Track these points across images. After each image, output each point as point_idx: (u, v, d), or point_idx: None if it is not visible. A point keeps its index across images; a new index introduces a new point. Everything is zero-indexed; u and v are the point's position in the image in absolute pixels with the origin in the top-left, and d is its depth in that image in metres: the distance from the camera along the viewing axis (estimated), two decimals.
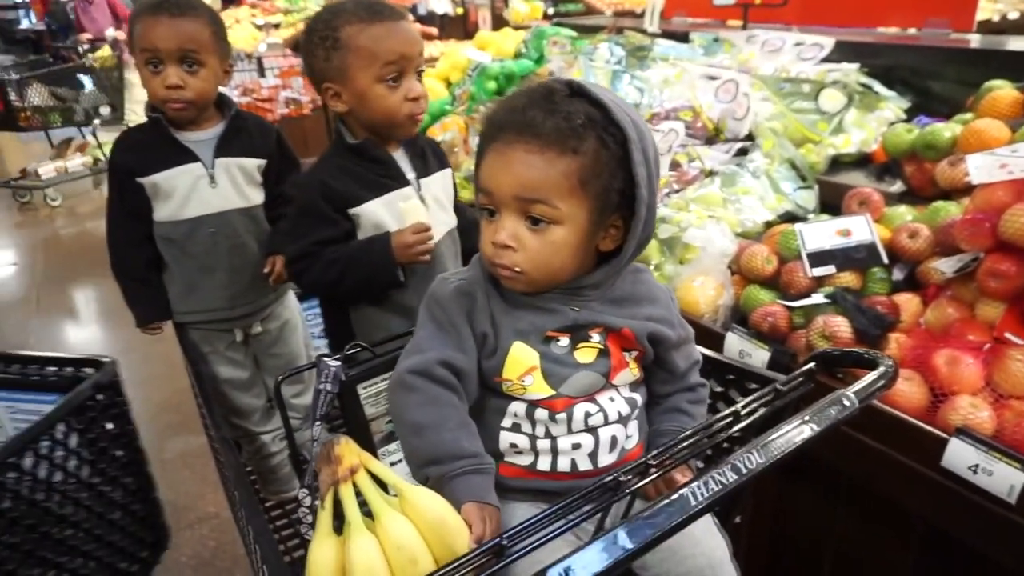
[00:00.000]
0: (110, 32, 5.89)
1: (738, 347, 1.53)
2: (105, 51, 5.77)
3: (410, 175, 1.43)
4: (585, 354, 0.93)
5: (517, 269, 0.88)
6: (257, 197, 1.70)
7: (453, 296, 0.94)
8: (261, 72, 4.26)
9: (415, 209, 1.34)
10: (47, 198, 5.48)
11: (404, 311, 1.42)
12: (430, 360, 0.90)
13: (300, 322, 1.94)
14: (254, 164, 1.68)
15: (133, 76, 5.83)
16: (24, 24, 15.12)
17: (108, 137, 5.85)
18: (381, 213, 1.38)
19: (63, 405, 1.42)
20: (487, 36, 3.70)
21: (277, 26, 7.08)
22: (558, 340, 0.93)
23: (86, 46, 6.00)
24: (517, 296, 0.93)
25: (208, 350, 1.76)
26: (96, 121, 5.64)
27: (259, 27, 7.20)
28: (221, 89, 1.66)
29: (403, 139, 1.44)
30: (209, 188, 1.62)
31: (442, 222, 1.47)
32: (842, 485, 1.41)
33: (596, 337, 0.94)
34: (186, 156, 1.60)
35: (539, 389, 0.92)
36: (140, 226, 1.64)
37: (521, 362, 0.92)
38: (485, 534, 0.79)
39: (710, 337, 1.57)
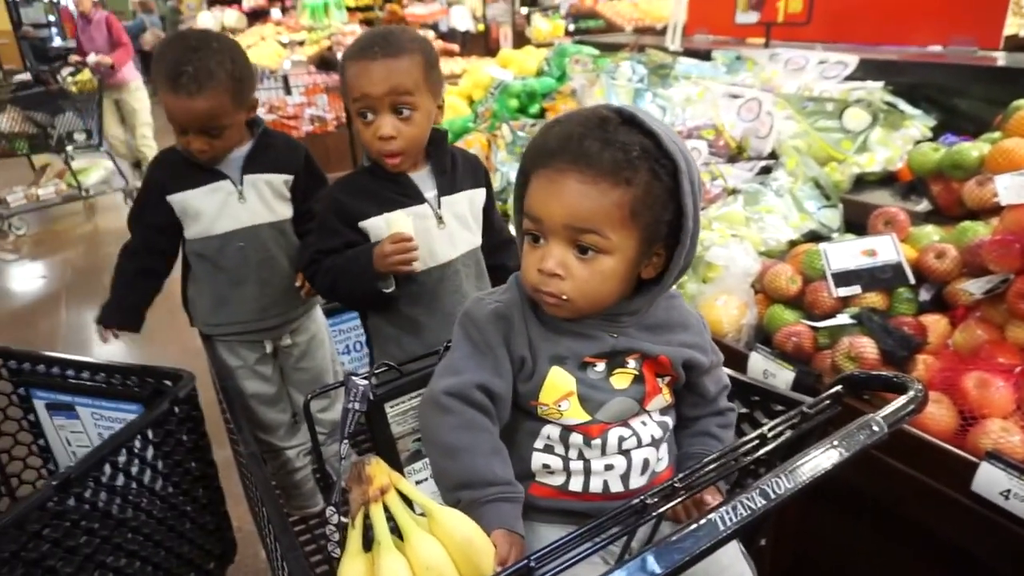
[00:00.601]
0: (92, 57, 5.64)
1: (762, 367, 1.52)
2: (85, 74, 5.59)
3: (429, 193, 1.44)
4: (620, 380, 0.94)
5: (564, 297, 0.88)
6: (285, 212, 1.73)
7: (490, 319, 0.93)
8: (287, 90, 4.33)
9: (399, 220, 1.36)
10: (12, 227, 5.27)
11: (412, 326, 1.46)
12: (467, 383, 0.90)
13: (327, 337, 1.97)
14: (281, 179, 1.71)
15: (107, 102, 5.77)
16: (57, 42, 15.48)
17: (84, 163, 5.75)
18: (386, 229, 1.41)
19: (143, 417, 1.48)
20: (509, 54, 3.74)
21: (302, 43, 7.19)
22: (595, 366, 0.93)
23: (71, 69, 5.75)
24: (556, 321, 0.93)
25: (237, 364, 1.79)
26: (69, 148, 5.42)
27: (284, 45, 7.31)
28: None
29: (427, 158, 1.46)
30: (238, 204, 1.65)
31: (463, 240, 1.48)
32: (867, 507, 1.40)
33: (632, 363, 0.94)
34: (215, 175, 1.63)
35: (575, 415, 0.92)
36: (150, 237, 1.67)
37: (558, 387, 0.92)
38: (510, 559, 0.79)
39: (733, 357, 1.57)
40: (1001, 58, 2.30)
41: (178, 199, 1.62)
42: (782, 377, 1.48)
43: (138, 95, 5.98)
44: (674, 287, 0.98)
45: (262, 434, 1.88)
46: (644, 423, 0.96)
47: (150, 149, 5.95)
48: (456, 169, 1.49)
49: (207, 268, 1.70)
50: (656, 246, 0.90)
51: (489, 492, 0.85)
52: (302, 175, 1.74)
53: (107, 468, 1.38)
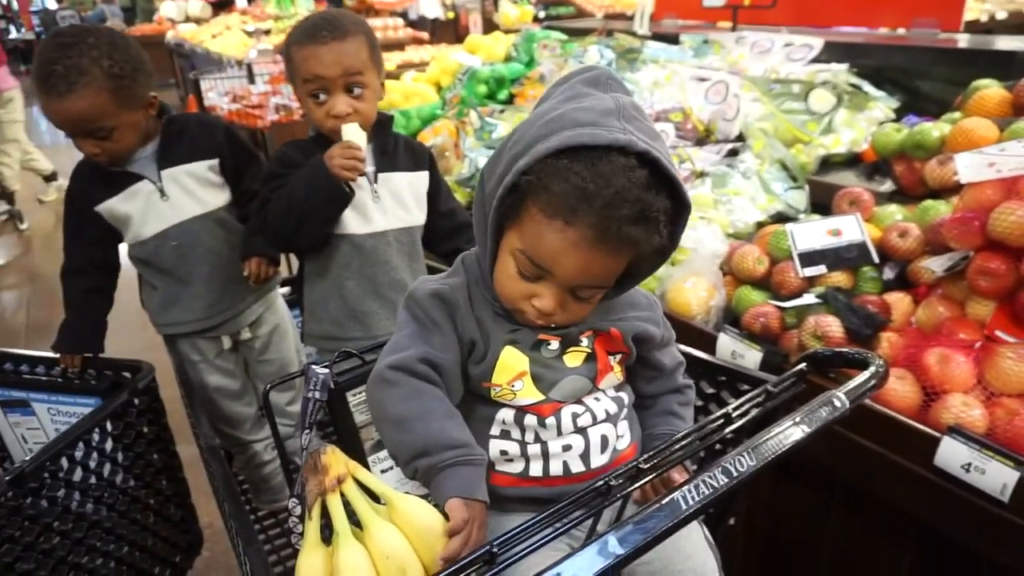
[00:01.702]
0: None
1: (730, 348, 1.52)
2: None
3: (368, 168, 1.48)
4: (573, 358, 0.94)
5: (552, 325, 0.90)
6: (216, 200, 1.65)
7: (433, 298, 0.92)
8: (251, 79, 4.25)
9: (351, 130, 1.40)
10: None
11: (339, 289, 1.52)
12: (411, 356, 0.88)
13: (291, 327, 1.93)
14: (204, 166, 1.62)
15: None
16: (13, 34, 15.07)
17: None
18: None
19: (101, 409, 1.46)
20: (477, 40, 3.70)
21: (268, 32, 7.07)
22: (549, 344, 0.93)
23: None
24: None
25: (197, 359, 1.75)
26: None
27: (249, 34, 7.18)
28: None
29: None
30: (161, 203, 1.57)
31: (396, 217, 1.54)
32: (836, 485, 1.41)
33: (585, 341, 0.94)
34: (130, 178, 1.55)
35: (528, 394, 0.91)
36: (90, 254, 1.61)
37: (511, 367, 0.91)
38: (464, 529, 0.76)
39: (702, 338, 1.57)
40: (962, 40, 2.33)
41: (105, 208, 1.55)
42: (750, 357, 1.48)
43: (10, 107, 5.09)
44: None
45: (228, 428, 1.85)
46: (597, 399, 0.96)
47: (8, 170, 5.24)
48: (397, 151, 1.56)
49: (150, 272, 1.65)
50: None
51: (446, 456, 0.82)
52: (227, 155, 1.65)
53: (64, 462, 1.36)
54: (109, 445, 1.47)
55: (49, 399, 1.63)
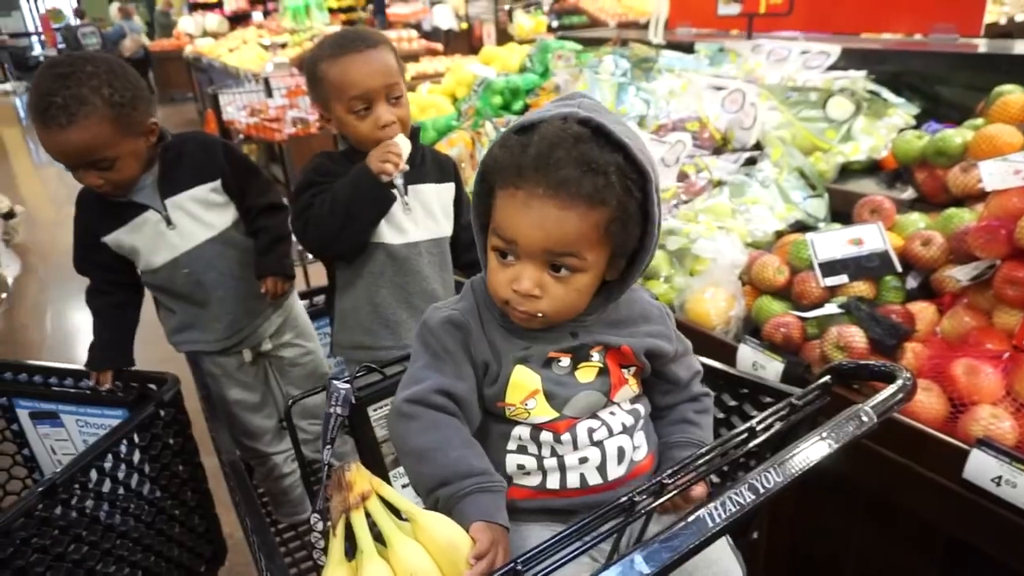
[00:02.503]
0: None
1: (751, 359, 1.51)
2: None
3: (398, 180, 1.49)
4: (586, 374, 0.93)
5: (539, 315, 0.88)
6: (222, 221, 1.64)
7: (446, 326, 0.93)
8: (268, 92, 4.29)
9: (400, 141, 1.44)
10: None
11: (372, 298, 1.53)
12: (427, 389, 0.89)
13: (314, 331, 1.94)
14: (207, 189, 1.60)
15: None
16: (37, 51, 15.36)
17: None
18: None
19: (128, 421, 1.47)
20: (492, 51, 3.71)
21: (284, 46, 7.15)
22: (559, 361, 0.93)
23: None
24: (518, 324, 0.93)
25: (218, 372, 1.76)
26: None
27: (266, 47, 7.27)
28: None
29: None
30: (169, 232, 1.56)
31: (427, 227, 1.55)
32: (861, 498, 1.39)
33: (596, 356, 0.94)
34: (135, 209, 1.53)
35: (542, 412, 0.92)
36: (105, 275, 1.61)
37: (523, 386, 0.91)
38: (489, 552, 0.77)
39: (722, 349, 1.56)
40: (982, 45, 2.30)
41: (111, 240, 1.55)
42: (771, 368, 1.47)
43: None
44: (658, 278, 0.98)
45: (248, 441, 1.86)
46: (613, 413, 0.95)
47: None
48: (424, 163, 1.56)
49: (165, 297, 1.66)
50: (625, 255, 0.90)
51: (465, 485, 0.83)
52: (228, 173, 1.63)
53: (93, 473, 1.38)
54: (136, 457, 1.48)
55: (77, 411, 1.66)
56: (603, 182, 0.80)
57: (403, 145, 1.42)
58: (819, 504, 1.47)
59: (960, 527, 1.20)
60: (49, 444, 1.73)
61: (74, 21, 15.47)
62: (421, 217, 1.53)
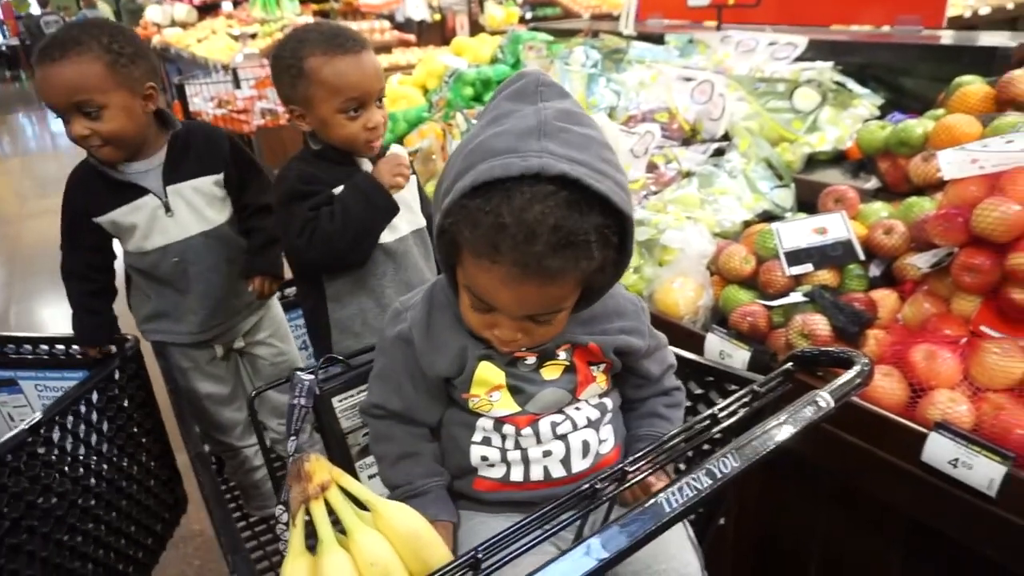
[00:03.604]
0: None
1: (718, 348, 1.53)
2: None
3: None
4: (551, 371, 0.93)
5: (524, 349, 0.90)
6: (219, 216, 1.64)
7: (394, 345, 0.98)
8: (237, 83, 4.22)
9: (398, 148, 1.46)
10: None
11: (377, 295, 1.51)
12: (368, 403, 1.02)
13: (289, 329, 1.93)
14: (210, 181, 1.61)
15: None
16: None
17: None
18: None
19: (90, 379, 1.54)
20: (463, 42, 3.69)
21: (254, 36, 7.04)
22: (525, 359, 0.92)
23: None
24: None
25: (188, 366, 1.74)
26: None
27: (235, 38, 7.15)
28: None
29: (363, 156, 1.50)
30: (166, 218, 1.56)
31: (408, 221, 1.54)
32: (825, 483, 1.41)
33: (563, 355, 0.93)
34: (136, 191, 1.53)
35: (505, 405, 0.92)
36: (88, 259, 1.59)
37: (488, 380, 0.92)
38: None
39: (690, 338, 1.57)
40: (945, 37, 2.34)
41: (105, 220, 1.53)
42: (739, 357, 1.49)
43: None
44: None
45: (218, 434, 1.84)
46: (578, 408, 0.95)
47: None
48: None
49: (145, 281, 1.64)
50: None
51: (395, 494, 0.96)
52: (232, 169, 1.64)
53: (56, 433, 1.44)
54: (95, 416, 1.54)
55: (36, 376, 1.68)
56: (585, 252, 0.75)
57: (405, 156, 1.45)
58: (785, 490, 1.50)
59: (919, 509, 1.22)
60: (7, 412, 1.75)
61: (37, 10, 15.10)
62: (403, 210, 1.52)
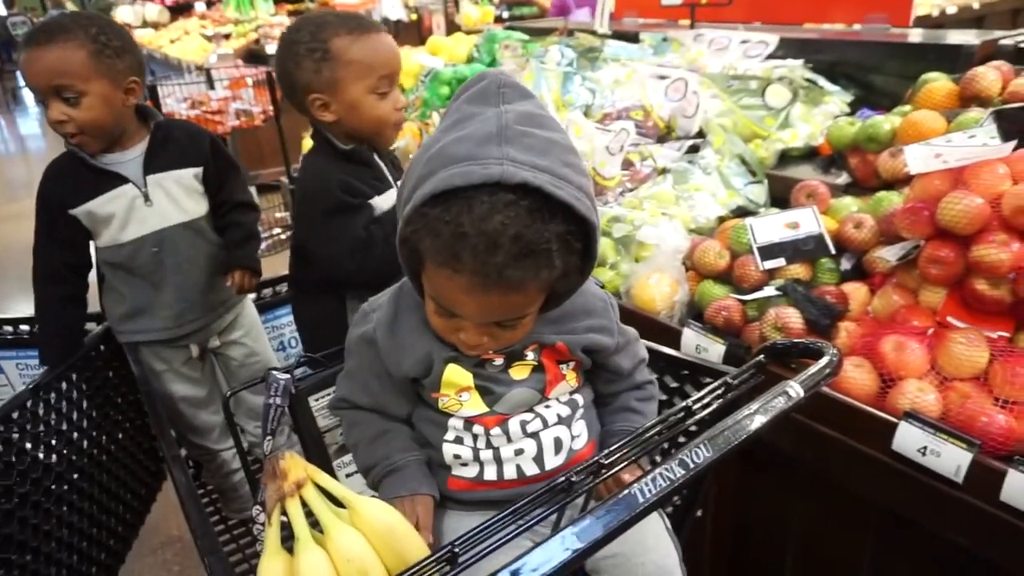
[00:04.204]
0: None
1: (695, 342, 1.54)
2: None
3: (390, 178, 1.49)
4: (519, 371, 0.93)
5: (489, 354, 0.90)
6: (197, 209, 1.65)
7: (359, 344, 0.98)
8: (210, 84, 4.18)
9: None
10: None
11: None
12: (336, 398, 1.03)
13: (263, 330, 1.92)
14: (190, 174, 1.62)
15: None
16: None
17: None
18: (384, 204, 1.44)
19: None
20: (439, 41, 3.69)
21: (228, 36, 6.97)
22: (493, 361, 0.92)
23: None
24: None
25: (162, 368, 1.72)
26: None
27: (209, 38, 7.07)
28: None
29: (384, 147, 1.50)
30: (145, 208, 1.56)
31: None
32: (800, 473, 1.43)
33: (530, 355, 0.93)
34: (115, 180, 1.53)
35: (474, 406, 0.92)
36: (64, 257, 1.57)
37: (455, 382, 0.92)
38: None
39: (667, 333, 1.59)
40: (913, 35, 2.38)
41: (83, 211, 1.52)
42: (714, 351, 1.50)
43: None
44: (604, 265, 0.99)
45: (195, 438, 1.83)
46: (548, 406, 0.95)
47: None
48: (395, 160, 1.57)
49: (121, 276, 1.62)
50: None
51: (375, 473, 0.96)
52: (211, 165, 1.65)
53: (41, 408, 1.52)
54: (75, 394, 1.60)
55: (17, 355, 1.70)
56: (547, 261, 0.74)
57: None
58: (761, 481, 1.52)
59: (891, 497, 1.25)
60: None
61: (3, 10, 14.82)
62: None
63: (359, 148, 1.42)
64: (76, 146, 1.49)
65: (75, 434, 1.58)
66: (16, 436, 1.42)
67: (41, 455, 1.48)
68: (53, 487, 1.48)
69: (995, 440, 1.10)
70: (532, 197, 0.71)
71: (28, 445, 1.44)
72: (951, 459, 1.12)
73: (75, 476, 1.55)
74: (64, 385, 1.56)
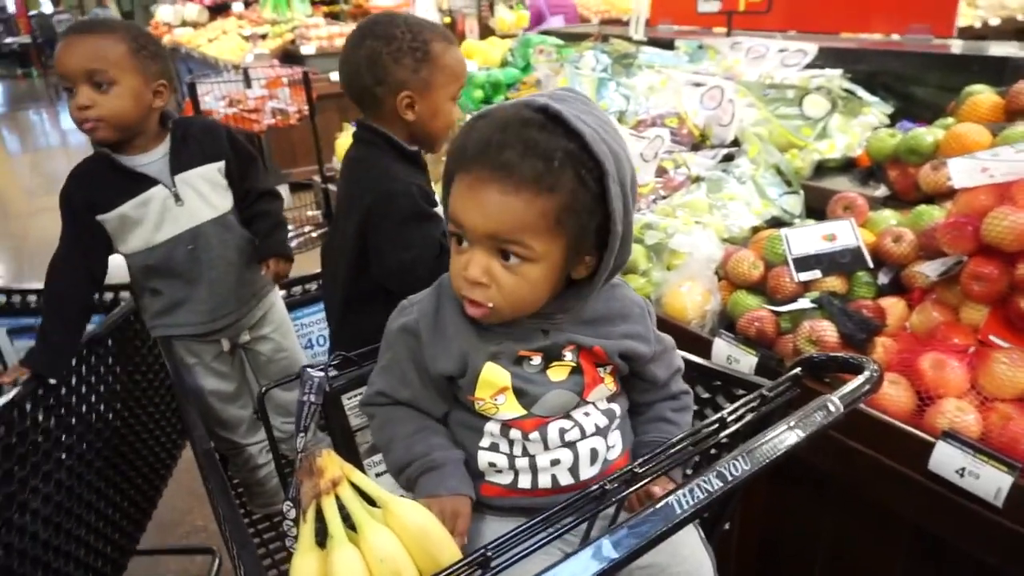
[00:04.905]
0: None
1: (726, 352, 1.53)
2: None
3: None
4: (557, 372, 0.92)
5: (490, 305, 0.85)
6: (224, 203, 1.67)
7: (398, 336, 0.97)
8: (247, 83, 4.24)
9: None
10: None
11: None
12: (373, 393, 0.99)
13: (291, 326, 1.94)
14: (214, 169, 1.64)
15: None
16: (9, 39, 15.07)
17: None
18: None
19: (107, 323, 1.70)
20: (473, 45, 3.70)
21: (264, 36, 7.06)
22: (531, 359, 0.91)
23: None
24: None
25: (193, 362, 1.74)
26: None
27: (246, 38, 7.18)
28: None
29: (436, 152, 1.54)
30: (176, 207, 1.58)
31: None
32: (831, 490, 1.41)
33: (568, 355, 0.92)
34: (145, 182, 1.54)
35: (511, 408, 0.91)
36: (91, 265, 1.57)
37: (493, 383, 0.90)
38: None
39: (698, 343, 1.57)
40: (955, 46, 2.34)
41: (112, 217, 1.53)
42: (746, 362, 1.49)
43: None
44: (618, 276, 0.97)
45: (223, 431, 1.84)
46: (587, 413, 0.94)
47: None
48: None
49: (155, 277, 1.63)
50: (584, 250, 0.86)
51: (411, 471, 0.93)
52: (232, 157, 1.67)
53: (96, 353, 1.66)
54: (115, 355, 1.75)
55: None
56: (545, 167, 0.77)
57: None
58: (790, 495, 1.49)
59: (925, 517, 1.22)
60: None
61: (49, 8, 15.20)
62: None
63: (420, 152, 1.45)
64: (89, 132, 1.49)
65: (101, 406, 1.68)
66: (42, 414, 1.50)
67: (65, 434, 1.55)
68: (73, 464, 1.56)
69: None
70: (553, 123, 0.79)
71: (52, 422, 1.51)
72: (991, 481, 1.09)
73: (93, 457, 1.64)
74: (96, 355, 1.67)
